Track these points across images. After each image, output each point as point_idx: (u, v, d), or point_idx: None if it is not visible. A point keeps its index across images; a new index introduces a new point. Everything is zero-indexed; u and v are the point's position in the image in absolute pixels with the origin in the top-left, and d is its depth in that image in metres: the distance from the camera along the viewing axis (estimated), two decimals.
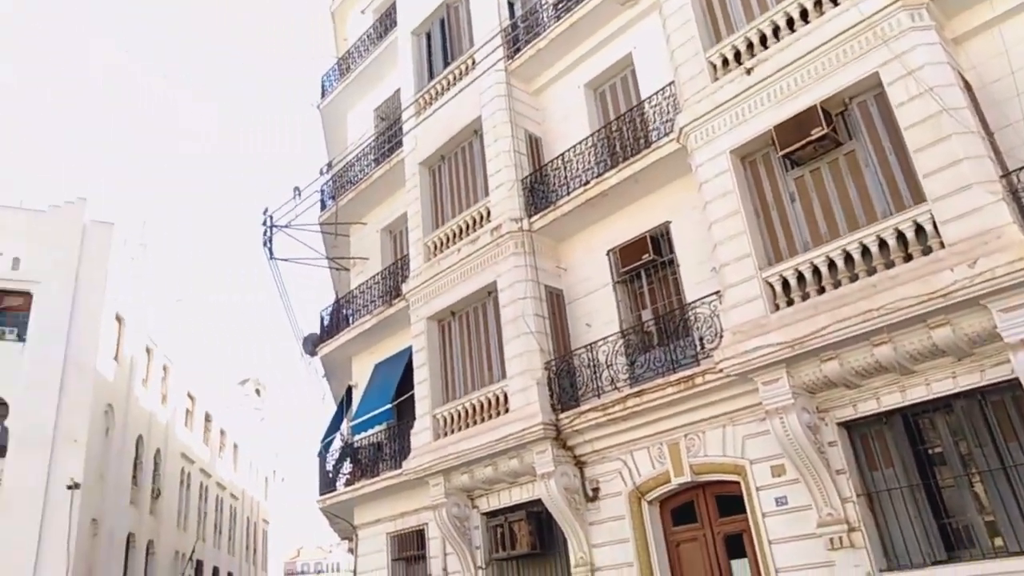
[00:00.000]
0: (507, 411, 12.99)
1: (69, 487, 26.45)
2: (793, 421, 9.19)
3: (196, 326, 44.73)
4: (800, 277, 9.62)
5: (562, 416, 12.32)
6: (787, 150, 9.96)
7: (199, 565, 39.58)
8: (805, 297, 9.53)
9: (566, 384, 12.66)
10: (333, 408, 21.32)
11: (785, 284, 9.79)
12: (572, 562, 12.21)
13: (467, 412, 13.87)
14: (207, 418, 43.02)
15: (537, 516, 12.94)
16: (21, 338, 28.22)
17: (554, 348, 13.22)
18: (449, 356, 15.08)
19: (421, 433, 14.63)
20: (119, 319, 31.80)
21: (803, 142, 9.77)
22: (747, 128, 10.56)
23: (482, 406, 13.60)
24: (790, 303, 9.66)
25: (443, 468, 13.84)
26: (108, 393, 30.27)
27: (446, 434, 14.18)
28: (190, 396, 40.43)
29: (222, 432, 45.61)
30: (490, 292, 14.26)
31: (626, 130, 13.42)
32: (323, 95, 22.23)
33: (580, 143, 13.96)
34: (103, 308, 29.81)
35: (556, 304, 13.76)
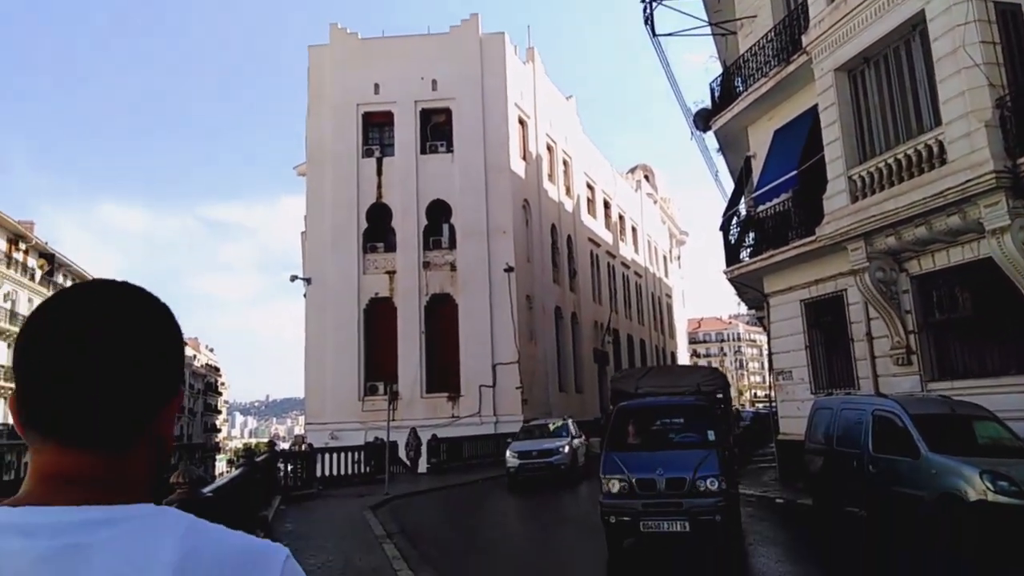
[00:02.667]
0: (943, 162, 11.32)
1: (505, 270, 31.36)
2: None
3: (587, 119, 47.11)
4: None
5: (1021, 161, 10.31)
6: None
7: (616, 333, 44.66)
8: None
9: None
10: (727, 184, 21.08)
11: None
12: None
13: (890, 169, 12.45)
14: (606, 205, 46.29)
15: (984, 277, 11.47)
16: (450, 149, 32.95)
17: (1008, 80, 10.85)
18: (864, 109, 13.46)
19: (835, 196, 13.68)
20: (521, 121, 34.93)
21: None
22: None
23: (909, 160, 12.04)
24: None
25: (864, 231, 12.90)
26: (522, 189, 34.21)
27: (865, 195, 13.03)
28: (589, 186, 43.64)
29: (620, 217, 48.86)
30: (915, 25, 12.05)
31: None
32: None
33: None
34: (507, 112, 32.96)
35: (1010, 25, 11.09)
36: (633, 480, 9.22)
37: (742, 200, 19.03)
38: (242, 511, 10.78)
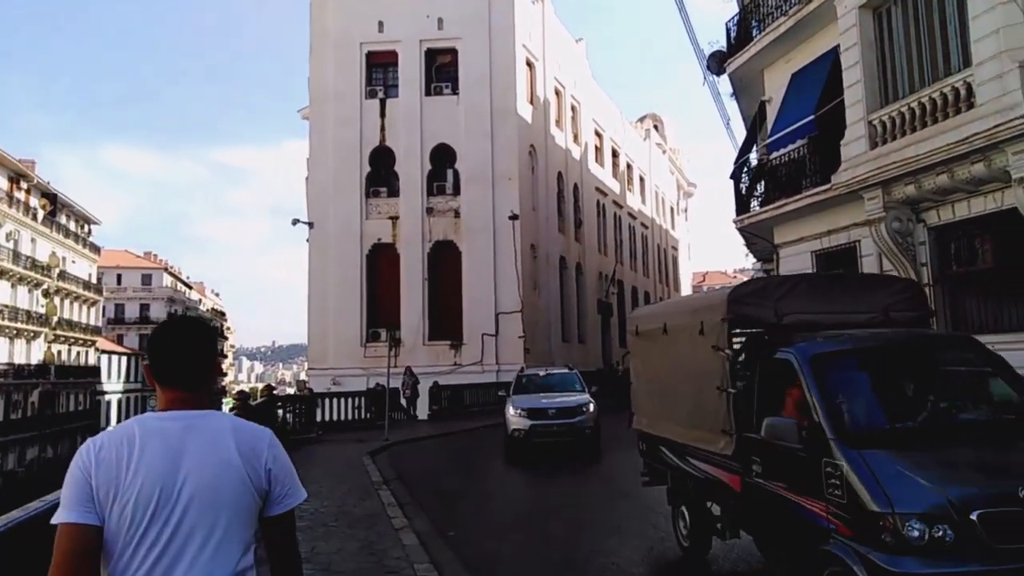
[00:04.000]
0: (971, 106, 10.73)
1: (510, 217, 30.85)
2: None
3: (596, 64, 45.92)
4: None
5: None
6: None
7: (620, 284, 44.30)
8: None
9: None
10: (738, 134, 20.41)
11: None
12: None
13: (914, 113, 11.85)
14: (614, 154, 45.43)
15: (1007, 228, 10.99)
16: (455, 91, 32.07)
17: None
18: (888, 50, 12.79)
19: (853, 143, 13.11)
20: (529, 64, 33.94)
21: None
22: None
23: (935, 104, 11.44)
24: None
25: (882, 179, 12.36)
26: (529, 135, 33.43)
27: (885, 141, 12.47)
28: (597, 134, 42.74)
29: (628, 166, 48.03)
30: None
31: None
32: None
33: None
34: (515, 54, 31.97)
35: None
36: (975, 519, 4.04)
37: (755, 147, 18.43)
38: None
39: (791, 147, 15.60)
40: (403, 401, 24.80)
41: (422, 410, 25.12)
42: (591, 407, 15.53)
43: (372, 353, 28.99)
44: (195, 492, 1.94)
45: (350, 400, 22.89)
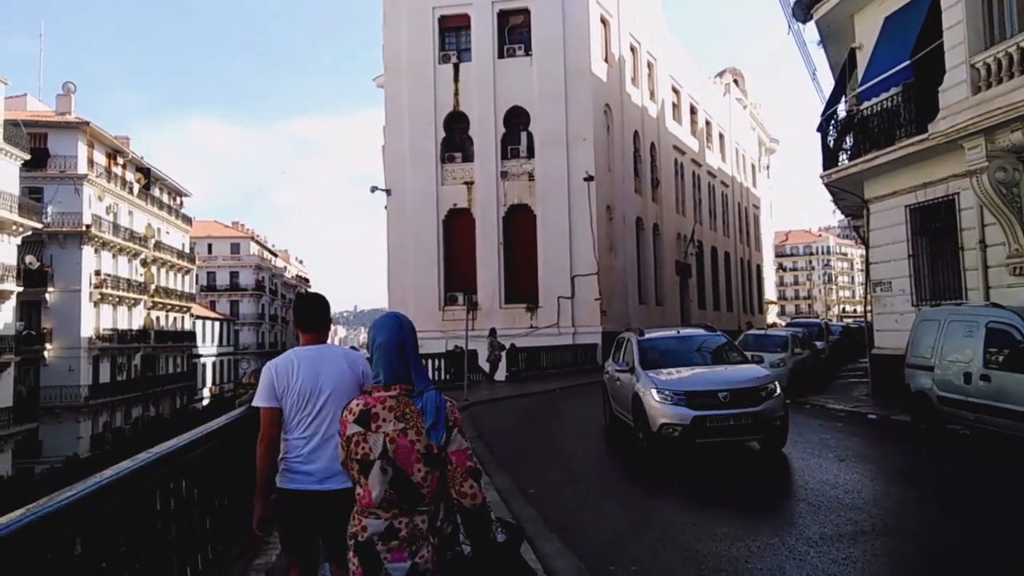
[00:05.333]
0: None
1: (585, 179, 30.49)
2: None
3: (672, 18, 44.44)
4: None
5: None
6: None
7: (700, 245, 43.33)
8: None
9: None
10: (825, 84, 19.43)
11: None
12: None
13: (1022, 53, 11.00)
14: (692, 110, 44.10)
15: None
16: (528, 52, 31.69)
17: None
18: None
19: (952, 89, 12.31)
20: (603, 21, 33.15)
21: None
22: None
23: None
24: None
25: (985, 126, 11.58)
26: (604, 93, 32.79)
27: (989, 85, 11.65)
28: (675, 90, 41.54)
29: (707, 123, 46.58)
30: None
31: None
32: None
33: None
34: (588, 11, 31.28)
35: None
36: None
37: (844, 98, 17.53)
38: None
39: (883, 96, 14.79)
40: (484, 365, 25.11)
41: (500, 372, 25.42)
42: (776, 386, 10.10)
43: (450, 316, 29.47)
44: (328, 388, 3.52)
45: (430, 362, 23.33)
